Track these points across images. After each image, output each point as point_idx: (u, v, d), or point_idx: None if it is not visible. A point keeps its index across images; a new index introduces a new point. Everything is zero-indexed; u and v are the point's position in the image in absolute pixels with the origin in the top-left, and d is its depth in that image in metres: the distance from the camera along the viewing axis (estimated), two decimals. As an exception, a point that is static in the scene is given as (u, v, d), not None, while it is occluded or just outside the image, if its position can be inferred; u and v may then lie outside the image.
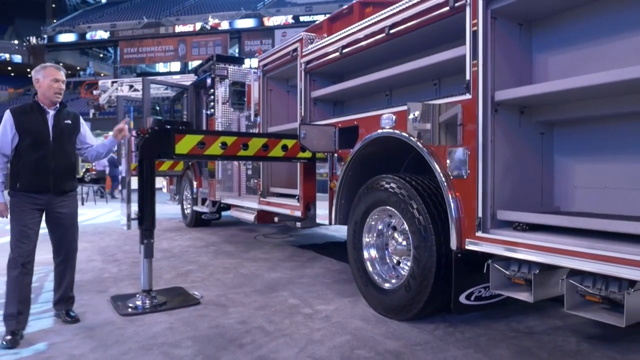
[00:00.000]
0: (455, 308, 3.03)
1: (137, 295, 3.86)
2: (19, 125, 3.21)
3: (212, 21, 46.34)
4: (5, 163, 3.22)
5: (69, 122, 3.43)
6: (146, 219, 3.80)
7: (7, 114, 3.24)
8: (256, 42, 45.31)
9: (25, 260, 3.18)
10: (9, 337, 3.01)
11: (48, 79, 3.28)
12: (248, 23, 45.68)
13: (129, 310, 3.68)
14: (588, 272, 2.31)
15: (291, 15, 44.14)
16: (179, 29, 47.17)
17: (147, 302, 3.77)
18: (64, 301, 3.48)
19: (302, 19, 43.75)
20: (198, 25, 46.48)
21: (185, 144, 3.92)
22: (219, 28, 46.11)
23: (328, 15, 5.04)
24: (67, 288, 3.49)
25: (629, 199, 2.75)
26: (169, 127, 7.73)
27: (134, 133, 3.97)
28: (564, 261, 2.34)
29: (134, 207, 3.88)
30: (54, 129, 3.31)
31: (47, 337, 3.13)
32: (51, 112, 3.33)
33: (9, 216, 3.24)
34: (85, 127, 3.60)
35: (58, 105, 3.38)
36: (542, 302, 2.74)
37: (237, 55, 46.07)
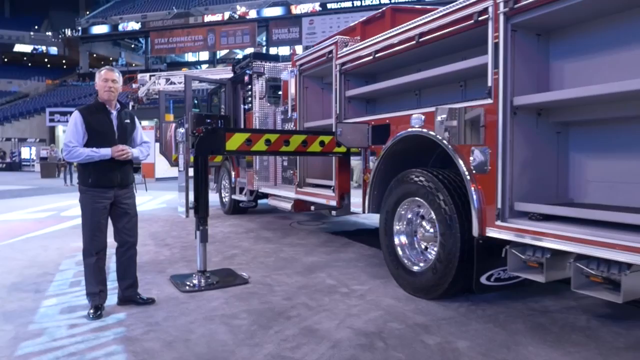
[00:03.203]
0: (477, 288, 3.43)
1: (194, 275, 4.38)
2: (89, 126, 3.56)
3: (240, 10, 46.85)
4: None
5: (128, 121, 3.80)
6: (201, 208, 4.31)
7: (77, 114, 3.58)
8: (284, 30, 45.66)
9: (99, 249, 3.63)
10: (92, 311, 3.51)
11: (100, 79, 3.64)
12: (275, 11, 45.99)
13: (187, 287, 4.20)
14: (592, 256, 2.67)
15: (318, 3, 44.19)
16: (207, 18, 47.90)
17: (203, 281, 4.29)
18: (135, 286, 3.85)
19: (329, 6, 43.79)
20: (226, 15, 47.09)
21: (235, 141, 4.40)
22: (247, 17, 46.59)
23: (362, 19, 5.41)
24: (134, 272, 3.85)
25: (635, 192, 3.07)
26: (209, 121, 8.31)
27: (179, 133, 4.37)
28: (571, 247, 2.71)
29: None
30: (118, 129, 3.70)
31: (124, 309, 3.68)
32: (114, 113, 3.70)
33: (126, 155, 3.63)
34: (139, 125, 3.96)
35: (119, 105, 3.74)
36: (557, 285, 3.07)
37: (265, 43, 46.60)
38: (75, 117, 3.59)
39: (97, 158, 3.54)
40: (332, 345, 2.98)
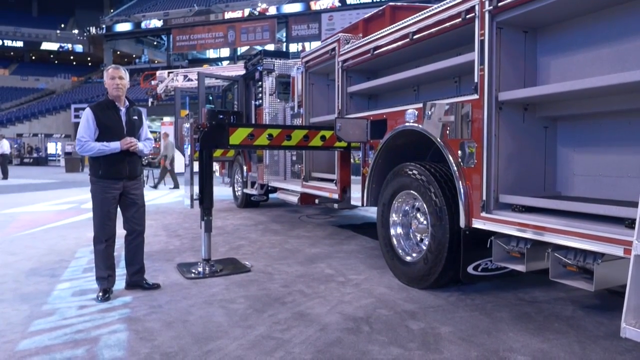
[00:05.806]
0: (464, 277, 3.56)
1: (199, 263, 4.60)
2: (99, 122, 3.80)
3: (260, 6, 47.18)
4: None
5: (136, 117, 4.02)
6: (206, 199, 4.52)
7: (89, 111, 3.83)
8: (303, 26, 45.80)
9: (108, 237, 3.86)
10: (101, 294, 3.76)
11: (108, 78, 3.87)
12: (295, 8, 46.14)
13: (192, 274, 4.42)
14: (568, 246, 2.77)
15: (338, -2, 44.21)
16: (228, 15, 48.35)
17: (207, 268, 4.50)
18: (142, 272, 4.07)
19: (348, 1, 43.70)
20: (246, 11, 47.46)
21: (238, 135, 4.59)
22: (267, 13, 46.88)
23: (365, 16, 5.54)
24: (142, 259, 4.07)
25: (618, 185, 3.15)
26: (221, 116, 8.53)
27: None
28: (546, 237, 2.82)
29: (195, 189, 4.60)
30: (127, 124, 3.92)
31: (131, 293, 3.92)
32: (123, 110, 3.92)
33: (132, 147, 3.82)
34: (145, 122, 4.19)
35: (128, 103, 3.96)
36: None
37: (284, 39, 46.85)
38: (87, 113, 3.83)
39: (108, 151, 3.77)
40: (320, 328, 3.14)
